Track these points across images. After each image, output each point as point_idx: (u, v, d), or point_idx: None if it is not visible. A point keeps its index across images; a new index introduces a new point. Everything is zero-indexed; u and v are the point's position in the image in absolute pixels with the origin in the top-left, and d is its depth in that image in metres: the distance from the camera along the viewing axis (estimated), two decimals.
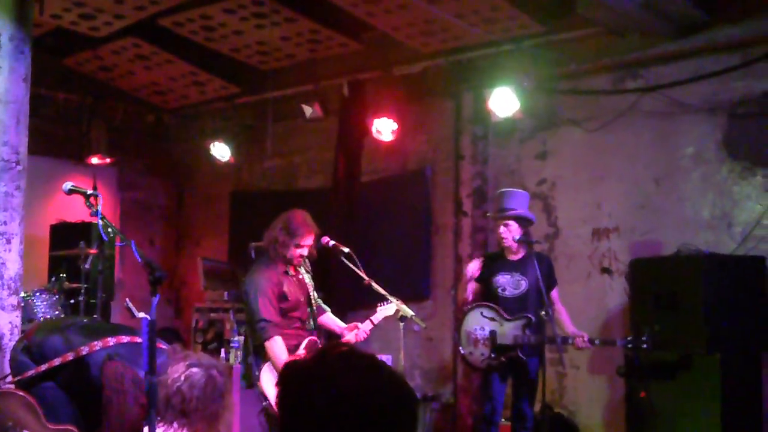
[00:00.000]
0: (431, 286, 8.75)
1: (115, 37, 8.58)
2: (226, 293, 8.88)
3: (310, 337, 5.81)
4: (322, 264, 8.63)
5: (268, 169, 10.41)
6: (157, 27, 8.30)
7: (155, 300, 4.15)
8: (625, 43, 7.48)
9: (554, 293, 6.64)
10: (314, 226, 5.87)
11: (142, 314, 4.78)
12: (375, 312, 6.16)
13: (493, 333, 6.48)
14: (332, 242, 5.82)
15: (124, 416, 4.37)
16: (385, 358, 7.99)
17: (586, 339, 6.29)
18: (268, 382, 5.76)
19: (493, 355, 6.46)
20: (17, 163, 5.92)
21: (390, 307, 6.17)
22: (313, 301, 6.01)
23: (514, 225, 6.56)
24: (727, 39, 7.00)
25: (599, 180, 7.80)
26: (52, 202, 9.33)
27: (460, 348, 6.62)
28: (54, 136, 9.91)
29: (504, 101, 7.75)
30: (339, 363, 1.90)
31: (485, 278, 6.72)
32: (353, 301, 8.92)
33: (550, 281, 6.60)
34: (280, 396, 1.93)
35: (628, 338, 6.29)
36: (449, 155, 8.82)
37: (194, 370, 4.38)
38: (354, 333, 5.97)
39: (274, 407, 5.81)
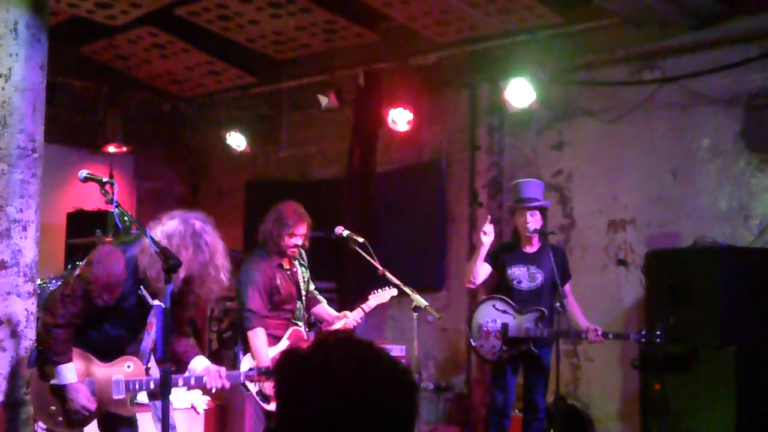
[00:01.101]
0: (445, 276, 8.75)
1: (131, 26, 8.60)
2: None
3: (294, 328, 5.90)
4: (336, 254, 8.69)
5: (283, 159, 10.42)
6: (174, 16, 8.31)
7: (169, 288, 4.17)
8: (642, 33, 7.43)
9: (567, 287, 6.62)
10: (306, 216, 5.98)
11: (156, 302, 4.81)
12: (367, 300, 6.24)
13: (505, 326, 6.46)
14: (346, 232, 5.82)
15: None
16: (399, 348, 8.01)
17: (599, 333, 6.26)
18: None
19: (504, 348, 6.44)
20: (33, 150, 5.94)
21: (383, 295, 6.24)
22: (304, 293, 6.04)
23: (538, 215, 6.53)
24: (745, 30, 6.95)
25: (615, 171, 7.76)
26: (69, 191, 9.37)
27: (471, 340, 6.61)
28: (70, 125, 9.94)
29: (520, 92, 7.72)
30: (336, 351, 1.87)
31: (500, 269, 6.65)
32: (367, 291, 8.92)
33: (565, 274, 6.58)
34: (278, 384, 1.90)
35: (642, 332, 6.26)
36: (465, 146, 8.80)
37: (169, 222, 4.47)
38: (343, 321, 6.01)
39: (255, 396, 5.85)
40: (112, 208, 4.43)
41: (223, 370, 4.80)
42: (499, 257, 6.67)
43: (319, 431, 1.83)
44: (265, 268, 5.90)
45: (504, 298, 6.54)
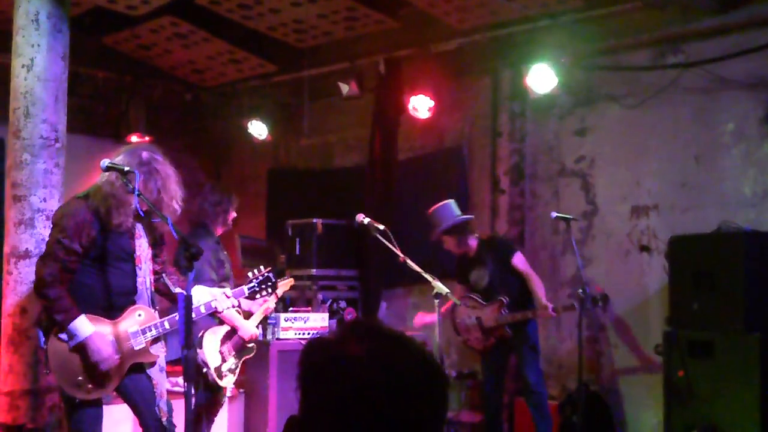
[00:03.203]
0: None
1: (152, 15, 8.62)
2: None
3: None
4: (358, 242, 8.70)
5: (305, 147, 10.43)
6: (195, 5, 8.33)
7: (191, 275, 4.20)
8: (665, 17, 7.36)
9: (516, 261, 7.01)
10: None
11: (178, 290, 4.86)
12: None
13: (479, 319, 7.05)
14: (367, 220, 5.82)
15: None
16: (421, 335, 8.03)
17: (550, 309, 6.70)
18: (210, 344, 6.00)
19: (485, 337, 7.05)
20: (56, 140, 5.99)
21: (287, 282, 6.74)
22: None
23: (446, 238, 7.08)
24: None
25: (638, 157, 7.71)
26: (92, 180, 9.37)
27: (459, 337, 7.29)
28: (93, 115, 9.99)
29: (542, 77, 7.68)
30: (365, 341, 1.81)
31: (462, 279, 7.27)
32: (388, 279, 8.94)
33: (505, 255, 7.04)
34: (303, 374, 1.84)
35: (575, 301, 6.60)
36: (486, 132, 8.77)
37: (117, 158, 4.64)
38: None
39: (213, 375, 5.95)
40: (133, 197, 4.47)
41: (227, 290, 5.06)
42: (460, 270, 7.32)
43: (344, 424, 1.76)
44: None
45: (471, 296, 7.14)
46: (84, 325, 4.50)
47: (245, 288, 5.42)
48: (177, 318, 4.70)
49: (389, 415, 1.75)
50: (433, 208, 7.17)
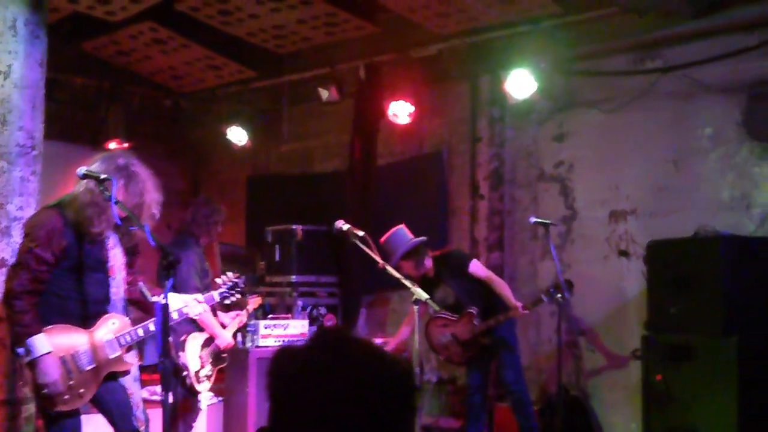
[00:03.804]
0: None
1: (131, 21, 8.59)
2: (243, 277, 8.89)
3: None
4: (337, 248, 8.69)
5: (285, 153, 10.42)
6: (174, 11, 8.30)
7: (169, 284, 4.17)
8: (642, 23, 7.40)
9: (473, 269, 7.03)
10: None
11: (155, 298, 4.83)
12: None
13: (453, 335, 7.11)
14: (347, 226, 5.81)
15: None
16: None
17: (520, 308, 6.75)
18: (191, 348, 6.04)
19: (464, 351, 7.10)
20: (33, 148, 5.94)
21: (256, 300, 6.99)
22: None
23: (403, 264, 6.96)
24: (745, 18, 6.91)
25: (617, 162, 7.74)
26: (70, 188, 9.33)
27: (440, 357, 7.35)
28: (71, 121, 9.93)
29: (521, 83, 7.71)
30: (333, 350, 1.82)
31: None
32: (368, 285, 8.93)
33: (460, 268, 7.05)
34: (272, 383, 1.85)
35: (549, 289, 6.64)
36: (466, 137, 8.79)
37: (93, 166, 4.59)
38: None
39: (192, 378, 5.96)
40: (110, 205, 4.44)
41: (198, 296, 5.07)
42: (427, 289, 7.13)
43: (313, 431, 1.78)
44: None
45: (441, 314, 7.08)
46: (41, 344, 4.43)
47: (215, 294, 5.42)
48: (150, 326, 4.71)
49: (358, 423, 1.76)
50: (384, 237, 7.05)
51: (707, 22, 7.13)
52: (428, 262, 7.11)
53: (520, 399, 7.01)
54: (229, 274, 5.58)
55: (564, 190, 8.09)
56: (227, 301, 5.58)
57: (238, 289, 5.53)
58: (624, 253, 7.63)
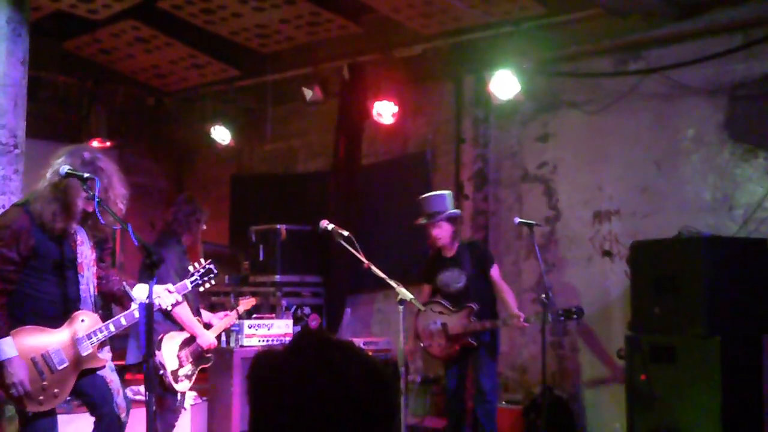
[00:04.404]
0: None
1: (114, 20, 8.55)
2: (227, 277, 8.89)
3: None
4: (322, 248, 8.68)
5: (269, 153, 10.40)
6: (157, 10, 8.27)
7: (152, 283, 4.16)
8: (626, 24, 7.43)
9: (494, 272, 6.98)
10: None
11: (137, 299, 4.81)
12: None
13: (444, 325, 6.92)
14: (331, 226, 5.80)
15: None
16: (385, 341, 8.03)
17: (522, 318, 6.62)
18: (168, 347, 6.02)
19: (449, 344, 6.91)
20: (15, 146, 5.91)
21: (248, 301, 6.95)
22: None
23: (446, 225, 6.92)
24: (727, 20, 6.95)
25: (600, 162, 7.77)
26: None
27: (421, 343, 7.10)
28: (54, 120, 9.88)
29: (505, 84, 7.71)
30: (312, 353, 1.80)
31: (431, 279, 7.14)
32: (353, 285, 8.93)
33: (485, 264, 6.99)
34: (251, 388, 1.83)
35: (559, 310, 6.63)
36: (450, 138, 8.79)
37: (57, 161, 4.51)
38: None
39: (169, 377, 5.95)
40: (94, 205, 4.40)
41: (170, 286, 5.00)
42: (429, 268, 7.19)
43: None
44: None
45: (439, 300, 7.00)
46: (7, 347, 4.39)
47: (188, 282, 5.37)
48: (122, 321, 4.68)
49: (338, 425, 1.76)
50: (427, 195, 7.07)
51: (690, 24, 7.16)
52: (456, 241, 7.02)
53: (491, 410, 6.93)
54: (202, 260, 5.55)
55: (548, 190, 8.11)
56: (201, 288, 5.55)
57: (212, 275, 5.49)
58: (607, 254, 7.66)
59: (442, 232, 6.92)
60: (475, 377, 6.99)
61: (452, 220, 6.95)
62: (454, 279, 6.95)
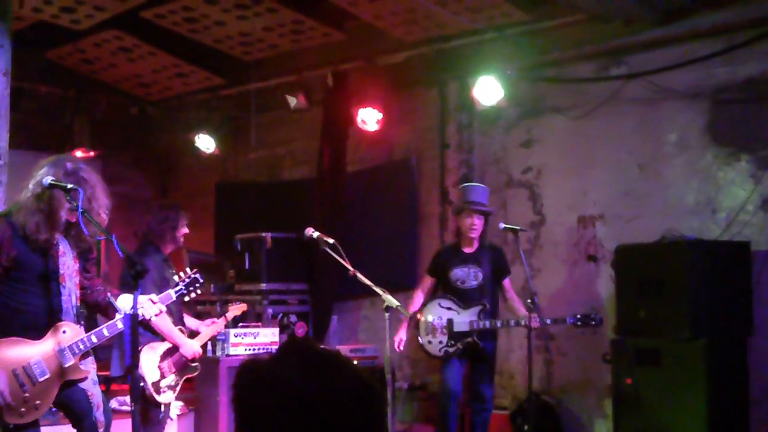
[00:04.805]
0: (417, 275, 8.71)
1: (96, 29, 8.53)
2: (212, 286, 8.86)
3: None
4: (308, 255, 8.67)
5: (253, 161, 10.39)
6: (139, 19, 8.25)
7: (137, 294, 4.14)
8: (608, 30, 7.46)
9: (506, 282, 7.01)
10: None
11: (122, 309, 4.78)
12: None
13: (450, 321, 6.84)
14: (316, 233, 5.80)
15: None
16: (372, 348, 8.01)
17: (537, 319, 6.49)
18: (148, 359, 5.97)
19: (450, 343, 6.82)
20: None
21: (238, 306, 6.90)
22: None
23: (483, 218, 6.94)
24: (710, 25, 6.99)
25: (584, 167, 7.79)
26: None
27: (419, 338, 6.97)
28: (37, 130, 9.84)
29: (488, 89, 7.75)
30: (297, 362, 1.80)
31: (441, 272, 7.05)
32: (339, 292, 8.92)
33: (504, 270, 7.03)
34: (236, 397, 1.83)
35: (578, 315, 6.61)
36: (434, 144, 8.81)
37: (40, 171, 4.49)
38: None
39: (150, 389, 5.90)
40: (77, 216, 4.38)
41: (153, 296, 4.94)
42: (441, 262, 7.10)
43: None
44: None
45: (449, 296, 6.93)
46: None
47: (172, 292, 5.34)
48: (104, 332, 4.65)
49: None
50: (472, 184, 7.16)
51: (672, 29, 7.21)
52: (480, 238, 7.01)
53: (488, 419, 6.92)
54: (188, 270, 5.52)
55: (532, 195, 8.13)
56: (186, 298, 5.53)
57: (198, 285, 5.47)
58: (592, 258, 7.69)
59: (481, 224, 6.91)
60: (476, 385, 6.94)
61: (489, 216, 7.00)
62: (471, 276, 6.91)
